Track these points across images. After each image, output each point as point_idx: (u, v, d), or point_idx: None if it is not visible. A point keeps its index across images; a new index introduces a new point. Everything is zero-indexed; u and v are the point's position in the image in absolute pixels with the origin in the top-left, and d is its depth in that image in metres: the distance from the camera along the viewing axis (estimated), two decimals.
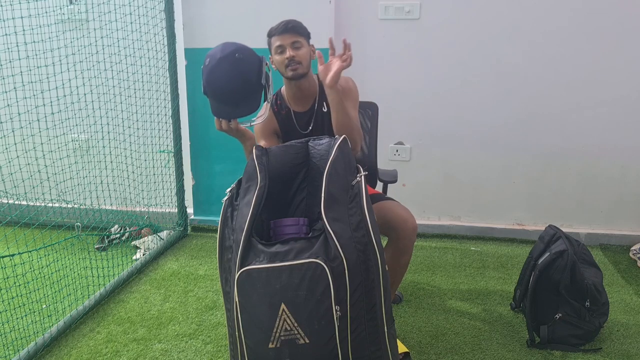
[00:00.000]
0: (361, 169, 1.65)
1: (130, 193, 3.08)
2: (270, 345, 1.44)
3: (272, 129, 2.03)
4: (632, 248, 2.92)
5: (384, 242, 1.86)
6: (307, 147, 1.76)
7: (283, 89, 2.04)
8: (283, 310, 1.43)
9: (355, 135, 1.88)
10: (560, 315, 2.04)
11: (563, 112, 2.95)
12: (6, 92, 2.32)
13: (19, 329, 2.12)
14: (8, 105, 2.37)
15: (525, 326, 2.15)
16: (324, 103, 1.99)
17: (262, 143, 1.99)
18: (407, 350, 1.95)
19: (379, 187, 2.38)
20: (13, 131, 2.43)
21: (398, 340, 1.92)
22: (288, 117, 2.02)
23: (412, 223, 1.90)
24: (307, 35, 1.95)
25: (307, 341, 1.43)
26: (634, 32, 2.80)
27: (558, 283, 2.04)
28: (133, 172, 3.05)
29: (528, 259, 2.26)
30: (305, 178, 1.75)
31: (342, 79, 2.00)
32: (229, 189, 1.65)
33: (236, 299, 1.48)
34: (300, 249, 1.47)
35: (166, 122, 3.13)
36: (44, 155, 2.59)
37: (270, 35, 1.94)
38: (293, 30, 1.90)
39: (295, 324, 1.43)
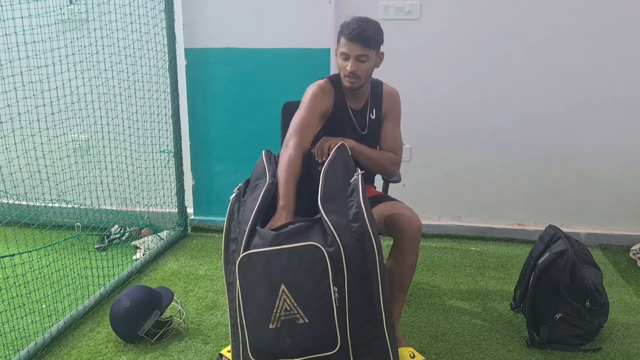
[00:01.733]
0: (358, 170, 1.69)
1: (130, 193, 3.08)
2: (271, 326, 1.47)
3: (322, 117, 1.97)
4: (632, 248, 2.92)
5: (390, 243, 1.86)
6: (310, 155, 1.83)
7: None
8: (283, 290, 1.46)
9: (388, 166, 2.05)
10: (560, 315, 2.04)
11: (563, 112, 2.95)
12: (6, 92, 2.32)
13: (19, 329, 2.12)
14: (8, 105, 2.37)
15: (525, 326, 2.15)
16: (374, 110, 2.03)
17: (313, 122, 1.92)
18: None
19: (379, 187, 2.38)
20: (13, 131, 2.43)
21: (416, 352, 1.93)
22: (342, 103, 2.00)
23: (417, 222, 1.88)
24: (378, 47, 1.90)
25: (307, 320, 1.46)
26: (634, 33, 2.80)
27: (558, 283, 2.04)
28: (133, 172, 3.05)
29: (528, 259, 2.27)
30: (307, 182, 1.77)
31: (391, 92, 2.06)
32: (237, 187, 1.71)
33: (238, 283, 1.51)
34: (299, 229, 1.51)
35: (166, 122, 3.13)
36: (44, 155, 2.59)
37: (341, 32, 1.88)
38: (364, 42, 1.83)
39: (295, 304, 1.46)
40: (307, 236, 1.50)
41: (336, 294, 1.46)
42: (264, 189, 1.62)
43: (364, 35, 1.83)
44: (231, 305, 1.61)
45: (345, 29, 1.85)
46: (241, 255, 1.50)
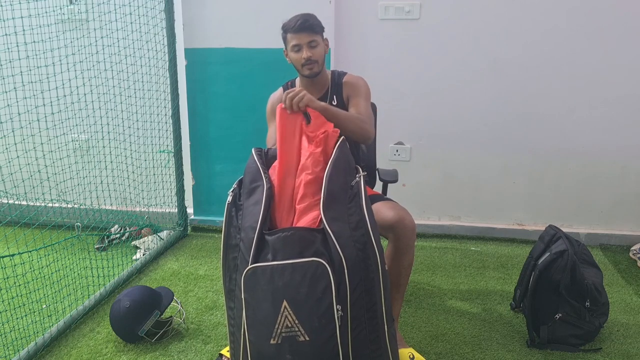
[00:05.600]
0: (360, 170, 1.66)
1: (130, 193, 3.08)
2: (272, 341, 1.46)
3: None
4: (632, 248, 2.92)
5: (384, 243, 1.86)
6: None
7: (298, 79, 2.12)
8: (285, 307, 1.45)
9: (360, 127, 1.93)
10: (560, 315, 2.04)
11: (563, 112, 2.95)
12: (6, 92, 2.32)
13: (19, 329, 2.12)
14: (8, 105, 2.37)
15: (525, 326, 2.15)
16: (334, 97, 2.06)
17: (272, 124, 2.05)
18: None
19: (379, 187, 2.38)
20: (13, 131, 2.43)
21: (415, 352, 1.93)
22: None
23: (410, 222, 1.89)
24: (322, 31, 2.00)
25: (307, 338, 1.44)
26: (634, 32, 2.80)
27: (558, 283, 2.04)
28: (133, 172, 3.05)
29: (528, 259, 2.26)
30: None
31: (352, 77, 2.11)
32: (230, 190, 1.67)
33: (243, 295, 1.49)
34: (302, 237, 1.48)
35: (166, 122, 3.13)
36: (44, 155, 2.59)
37: (285, 30, 1.98)
38: (310, 29, 1.95)
39: (296, 321, 1.44)
40: (311, 247, 1.48)
41: (339, 311, 1.44)
42: (265, 193, 1.58)
43: (308, 23, 1.95)
44: (230, 313, 1.60)
45: (288, 25, 1.97)
46: (247, 268, 1.49)
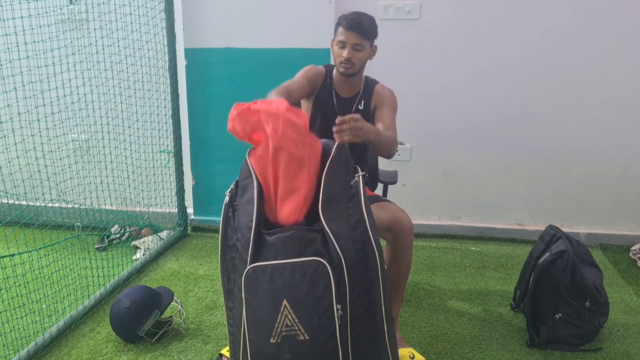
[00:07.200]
0: (359, 170, 1.65)
1: (130, 193, 3.08)
2: (272, 341, 1.46)
3: (310, 83, 2.05)
4: (632, 248, 2.92)
5: (383, 244, 1.86)
6: None
7: (335, 71, 2.11)
8: (285, 306, 1.44)
9: (390, 146, 1.97)
10: (560, 315, 2.04)
11: (563, 112, 2.95)
12: (6, 92, 2.32)
13: (19, 329, 2.12)
14: (8, 105, 2.37)
15: (525, 326, 2.15)
16: (362, 101, 2.08)
17: (301, 78, 2.05)
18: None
19: (380, 188, 2.38)
20: (13, 131, 2.43)
21: (415, 352, 1.93)
22: (329, 87, 2.09)
23: (408, 223, 1.90)
24: (373, 38, 2.00)
25: (307, 337, 1.44)
26: (634, 32, 2.80)
27: (558, 283, 2.04)
28: (133, 172, 3.05)
29: (528, 259, 2.27)
30: None
31: (382, 88, 2.13)
32: (228, 191, 1.66)
33: (243, 294, 1.49)
34: (302, 237, 1.48)
35: (166, 122, 3.13)
36: (44, 155, 2.59)
37: (339, 22, 1.99)
38: (360, 31, 1.93)
39: (296, 320, 1.44)
40: (311, 246, 1.48)
41: (339, 311, 1.44)
42: (255, 189, 1.55)
43: (361, 26, 1.93)
44: (230, 313, 1.60)
45: (344, 19, 1.96)
46: (247, 268, 1.48)
